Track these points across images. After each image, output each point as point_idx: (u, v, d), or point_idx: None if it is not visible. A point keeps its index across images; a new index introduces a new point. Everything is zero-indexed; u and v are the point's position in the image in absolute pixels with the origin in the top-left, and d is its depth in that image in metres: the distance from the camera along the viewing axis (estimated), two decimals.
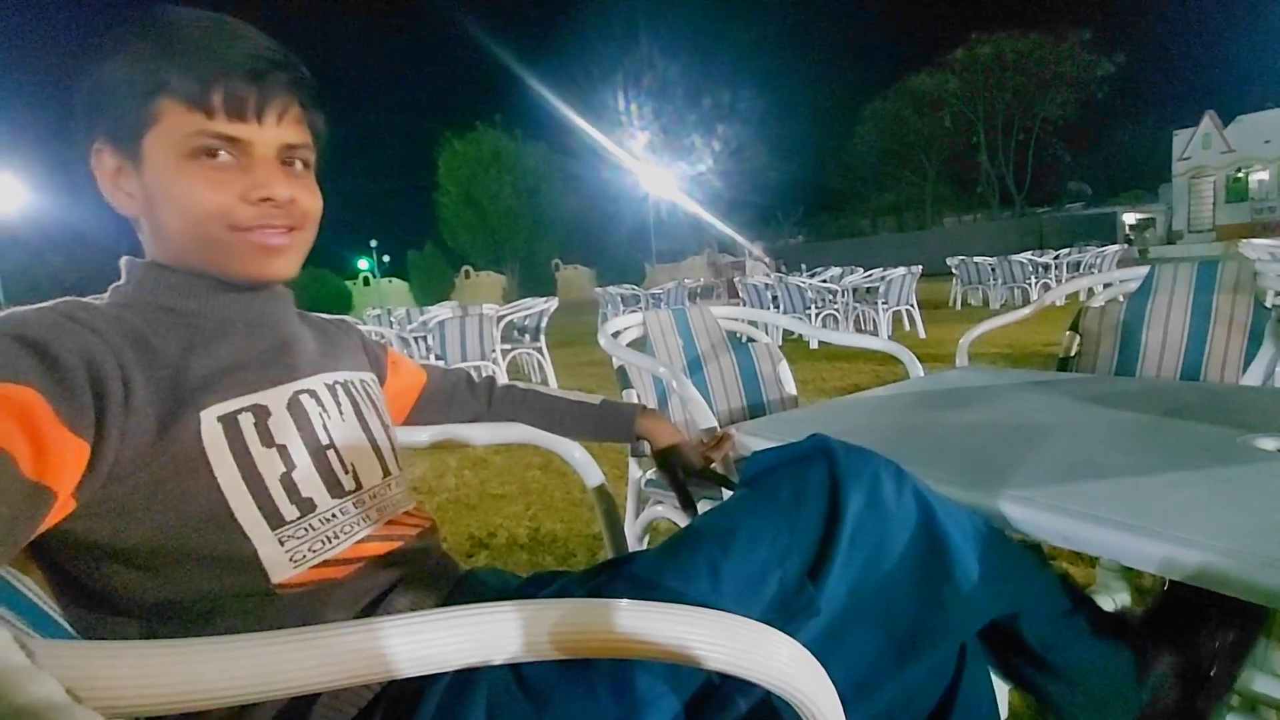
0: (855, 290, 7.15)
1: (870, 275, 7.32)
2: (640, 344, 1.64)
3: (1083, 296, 1.99)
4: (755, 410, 1.66)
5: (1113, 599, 1.33)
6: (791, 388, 1.68)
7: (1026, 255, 10.06)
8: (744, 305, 7.23)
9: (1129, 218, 24.36)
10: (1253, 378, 1.35)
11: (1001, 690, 0.83)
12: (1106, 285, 1.94)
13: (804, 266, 11.84)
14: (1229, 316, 1.66)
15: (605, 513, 0.95)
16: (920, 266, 7.10)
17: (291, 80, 0.63)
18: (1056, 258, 10.20)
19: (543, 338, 5.52)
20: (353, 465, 0.66)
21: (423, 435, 0.97)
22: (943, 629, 0.60)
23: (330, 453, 0.64)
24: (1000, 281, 9.48)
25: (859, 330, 7.39)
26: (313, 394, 0.66)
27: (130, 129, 0.59)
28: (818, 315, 6.44)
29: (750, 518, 0.59)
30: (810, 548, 0.57)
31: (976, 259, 9.80)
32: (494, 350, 4.61)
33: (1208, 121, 24.34)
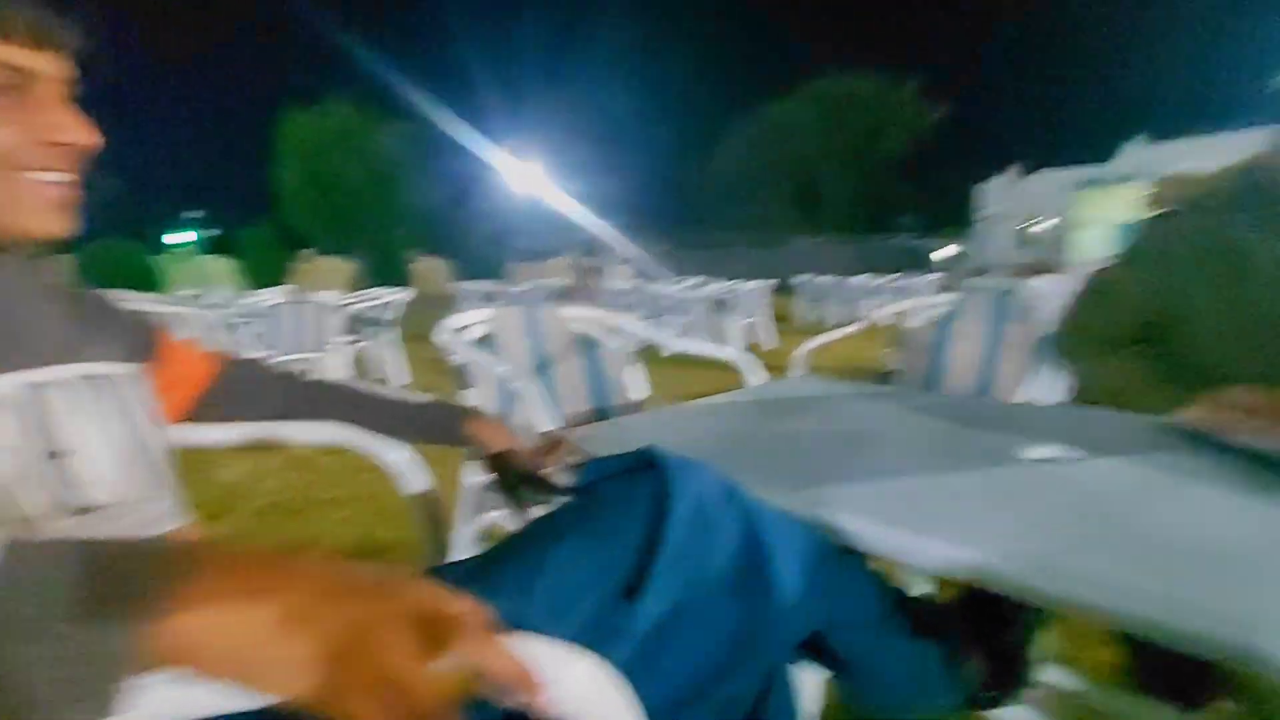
0: (712, 301, 7.45)
1: (727, 287, 7.67)
2: (488, 343, 1.57)
3: (904, 318, 2.21)
4: (602, 415, 1.65)
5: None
6: (640, 393, 1.69)
7: (863, 277, 11.06)
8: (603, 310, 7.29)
9: (943, 251, 27.65)
10: (1030, 395, 1.55)
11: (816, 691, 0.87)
12: (922, 309, 2.16)
13: (668, 275, 12.18)
14: (1015, 341, 1.91)
15: (427, 521, 0.88)
16: (775, 280, 7.55)
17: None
18: (888, 281, 11.32)
19: (394, 331, 5.18)
20: (95, 477, 0.55)
21: (230, 433, 0.86)
22: (763, 643, 0.61)
23: (62, 461, 0.53)
24: (839, 300, 10.34)
25: (716, 341, 7.73)
26: (44, 389, 0.54)
27: None
28: (675, 323, 6.63)
29: (572, 531, 0.57)
30: (632, 562, 0.55)
31: (819, 279, 10.61)
32: (332, 342, 4.24)
33: (1011, 174, 28.35)
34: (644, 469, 0.60)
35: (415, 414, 0.87)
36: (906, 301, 2.15)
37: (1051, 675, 0.89)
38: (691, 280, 9.40)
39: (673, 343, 1.74)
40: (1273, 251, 1.02)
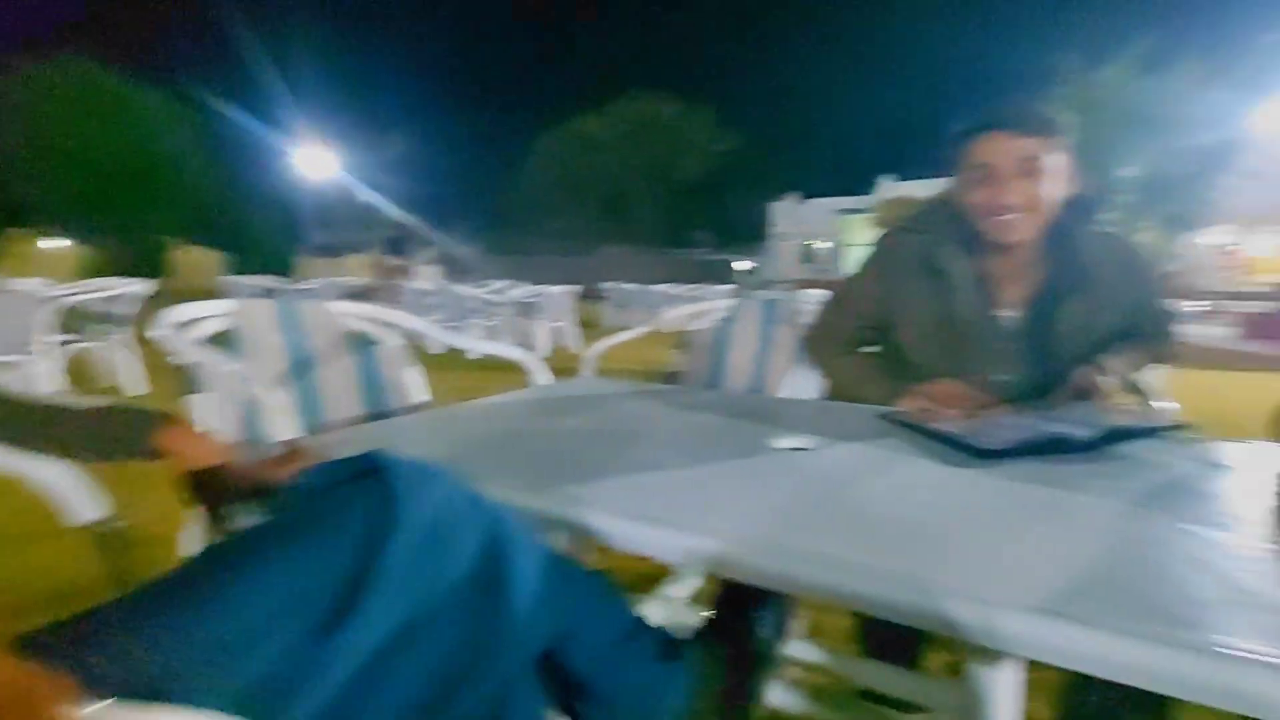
0: (519, 304, 7.35)
1: (534, 291, 7.61)
2: (228, 339, 1.35)
3: (690, 322, 2.32)
4: (377, 418, 1.51)
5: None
6: (420, 395, 1.57)
7: (665, 286, 11.66)
8: (404, 310, 6.85)
9: (741, 265, 30.23)
10: (789, 391, 1.69)
11: None
12: (706, 314, 2.29)
13: (477, 277, 11.81)
14: (782, 342, 2.09)
15: (108, 557, 0.71)
16: (580, 286, 7.64)
17: None
18: (687, 290, 12.05)
19: (128, 330, 4.35)
20: None
21: None
22: (498, 656, 0.56)
23: None
24: (643, 306, 10.79)
25: (521, 345, 7.62)
26: None
27: None
28: (480, 326, 6.43)
29: (261, 554, 0.47)
30: (339, 588, 0.48)
31: (625, 285, 10.98)
32: (40, 341, 3.43)
33: (792, 199, 31.90)
34: (362, 478, 0.52)
35: (81, 423, 0.70)
36: (690, 307, 2.26)
37: (796, 649, 0.96)
38: (499, 283, 9.22)
39: (451, 339, 1.65)
40: (964, 267, 1.21)
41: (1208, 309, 11.73)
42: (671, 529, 0.61)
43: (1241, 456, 0.89)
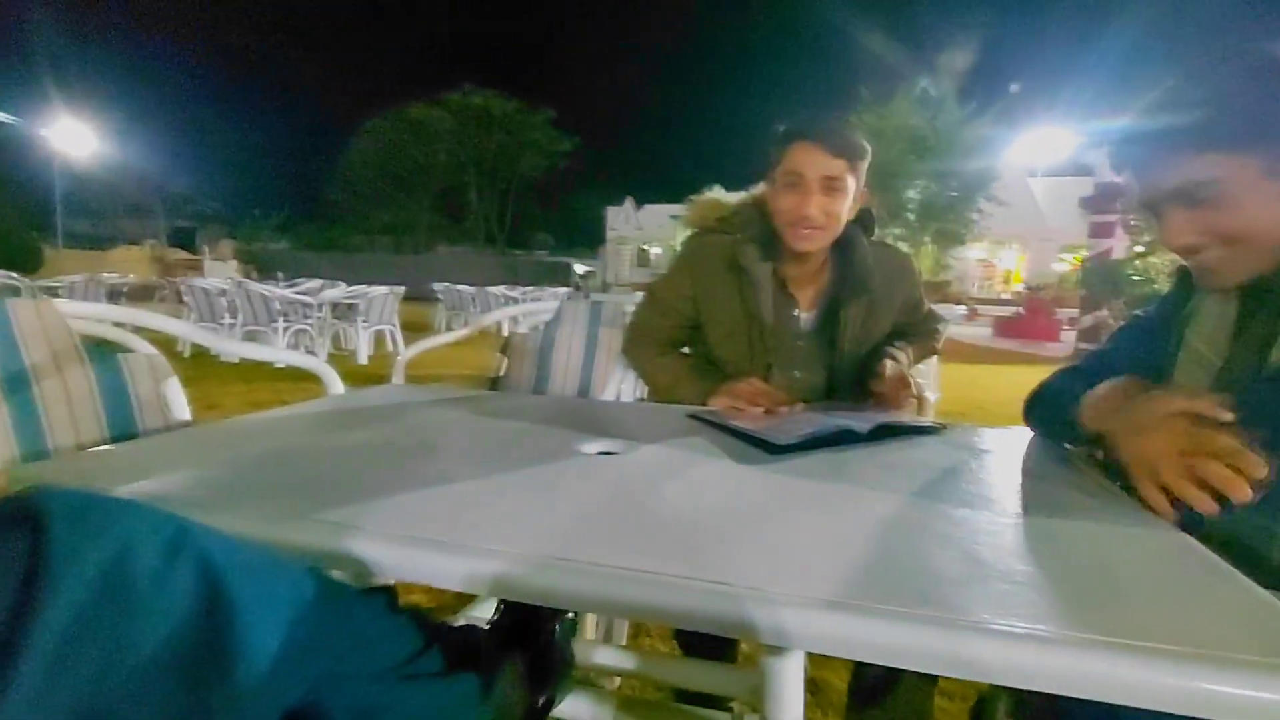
0: (335, 306, 6.75)
1: (352, 292, 7.02)
2: None
3: (511, 324, 2.25)
4: (125, 440, 1.27)
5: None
6: (182, 411, 1.34)
7: (501, 288, 11.36)
8: (190, 311, 5.98)
9: (579, 267, 30.39)
10: (610, 394, 1.69)
11: None
12: (530, 315, 2.23)
13: (282, 275, 10.66)
14: (608, 345, 2.09)
15: None
16: (403, 287, 7.19)
17: None
18: (524, 293, 11.84)
19: None
20: None
21: None
22: None
23: None
24: (479, 309, 10.42)
25: (338, 349, 7.00)
26: None
27: None
28: (288, 329, 5.79)
29: None
30: None
31: (460, 286, 10.55)
32: None
33: (628, 204, 32.66)
34: (9, 526, 0.40)
35: None
36: (514, 308, 2.19)
37: (601, 655, 0.93)
38: (311, 283, 8.41)
39: (230, 347, 1.43)
40: (765, 269, 1.28)
41: (969, 312, 13.84)
42: (448, 553, 0.55)
43: (994, 441, 1.02)
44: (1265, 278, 0.76)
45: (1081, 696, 0.44)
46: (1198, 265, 0.80)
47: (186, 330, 1.42)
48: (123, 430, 1.28)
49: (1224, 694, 0.42)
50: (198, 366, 5.72)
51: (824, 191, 1.18)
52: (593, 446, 0.92)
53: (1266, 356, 0.75)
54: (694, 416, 1.10)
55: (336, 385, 1.32)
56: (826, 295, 1.32)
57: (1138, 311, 1.03)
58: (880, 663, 0.47)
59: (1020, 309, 13.20)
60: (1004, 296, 22.61)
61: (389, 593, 0.61)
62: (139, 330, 1.44)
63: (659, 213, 30.94)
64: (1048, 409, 1.00)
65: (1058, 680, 0.45)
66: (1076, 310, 10.13)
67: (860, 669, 1.02)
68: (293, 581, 0.51)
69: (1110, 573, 0.56)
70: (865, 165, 1.23)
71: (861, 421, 1.00)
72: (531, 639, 0.73)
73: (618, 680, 1.28)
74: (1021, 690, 0.84)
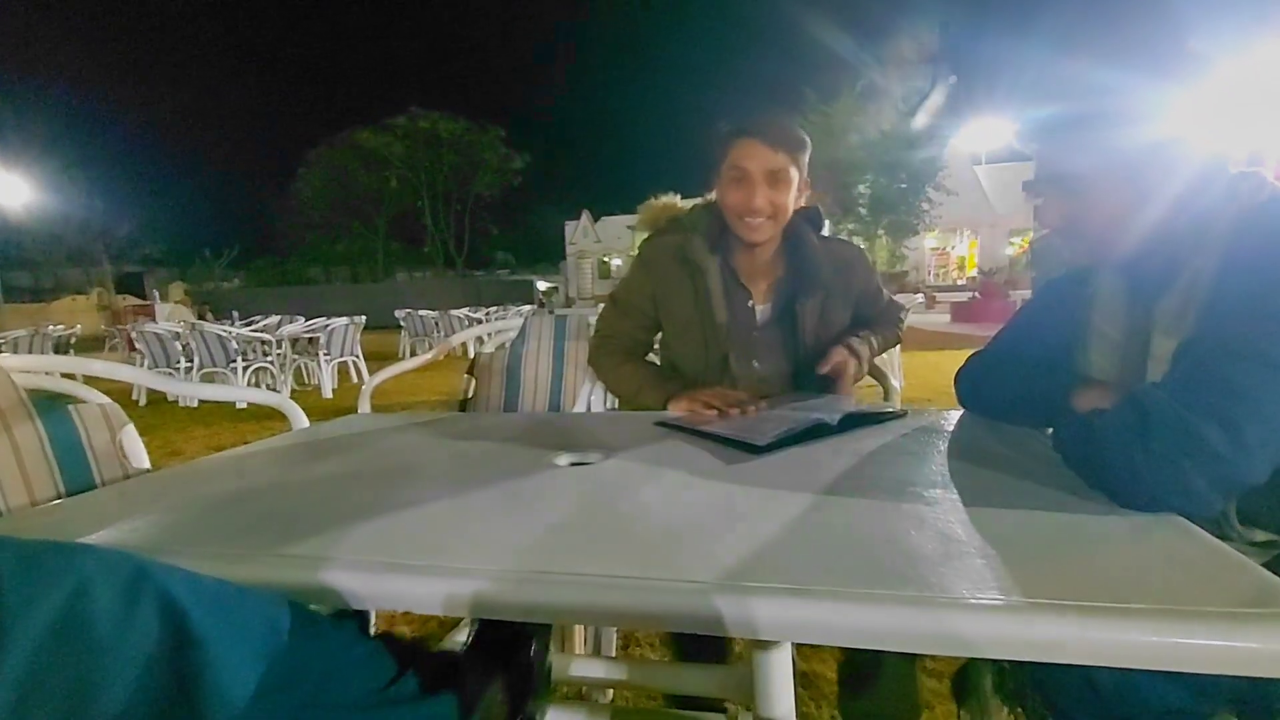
0: (295, 341, 6.60)
1: (311, 325, 6.88)
2: None
3: (478, 345, 2.23)
4: (81, 494, 1.22)
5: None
6: (141, 460, 1.30)
7: (464, 310, 11.24)
8: (143, 358, 5.79)
9: (541, 284, 30.32)
10: (580, 405, 1.68)
11: None
12: (495, 334, 2.21)
13: (237, 314, 10.40)
14: (574, 358, 2.08)
15: None
16: (364, 317, 7.07)
17: None
18: (488, 314, 11.74)
19: None
20: None
21: None
22: None
23: None
24: (443, 333, 10.30)
25: (301, 385, 6.84)
26: None
27: None
28: (247, 368, 5.64)
29: None
30: None
31: (422, 312, 10.42)
32: None
33: (585, 217, 32.70)
34: None
35: None
36: (476, 329, 2.18)
37: (589, 668, 0.93)
38: (269, 319, 8.23)
39: (187, 390, 1.39)
40: (716, 263, 1.30)
41: (926, 300, 14.17)
42: (422, 576, 0.54)
43: (958, 424, 1.04)
44: (1141, 259, 0.81)
45: (1056, 661, 0.45)
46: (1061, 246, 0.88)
47: (139, 376, 1.38)
48: (79, 484, 1.23)
49: (1193, 646, 0.43)
50: (156, 414, 5.53)
51: (768, 183, 1.23)
52: (565, 458, 0.92)
53: (1149, 336, 0.80)
54: (662, 423, 1.11)
55: (300, 420, 1.29)
56: (780, 289, 1.35)
57: (1044, 285, 1.07)
58: (859, 646, 0.48)
59: (975, 294, 13.56)
60: (959, 283, 23.23)
61: (360, 619, 0.60)
62: (90, 380, 1.40)
63: (617, 224, 31.07)
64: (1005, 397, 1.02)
65: (1034, 648, 0.46)
66: (1029, 291, 10.45)
67: (848, 657, 1.03)
68: (262, 613, 0.50)
69: (1079, 539, 0.58)
70: (806, 156, 1.27)
71: (829, 413, 1.01)
72: (510, 656, 0.72)
73: (610, 692, 1.27)
74: (1002, 662, 0.86)
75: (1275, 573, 0.50)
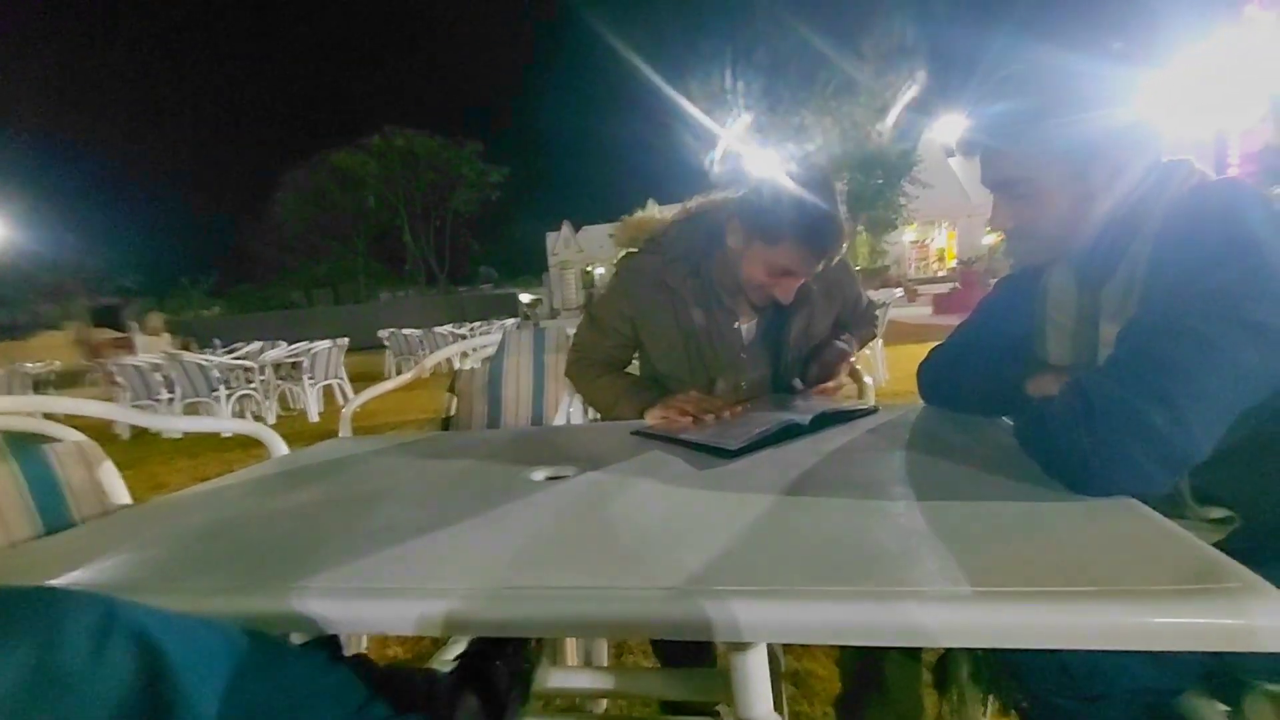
0: (279, 366, 6.55)
1: (294, 349, 6.82)
2: None
3: (459, 361, 2.23)
4: (60, 532, 1.21)
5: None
6: (121, 496, 1.29)
7: (449, 327, 11.18)
8: (125, 390, 5.72)
9: (524, 297, 30.22)
10: (560, 418, 1.69)
11: None
12: (474, 351, 2.21)
13: (219, 342, 10.30)
14: (555, 371, 2.09)
15: None
16: (347, 339, 7.02)
17: None
18: (472, 329, 11.68)
19: None
20: None
21: None
22: None
23: None
24: (428, 351, 10.24)
25: (286, 409, 6.79)
26: None
27: None
28: (230, 396, 5.59)
29: None
30: None
31: (406, 331, 10.36)
32: None
33: (566, 228, 32.70)
34: None
35: None
36: (454, 346, 2.18)
37: (578, 679, 0.93)
38: (251, 346, 8.15)
39: (163, 423, 1.38)
40: (695, 286, 1.29)
41: (905, 294, 14.28)
42: (396, 599, 0.55)
43: (926, 417, 1.06)
44: (1087, 249, 0.84)
45: (1012, 646, 0.46)
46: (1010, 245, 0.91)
47: (116, 412, 1.37)
48: (57, 523, 1.22)
49: (1143, 624, 0.45)
50: (140, 447, 5.45)
51: (800, 278, 1.22)
52: (541, 473, 0.92)
53: (1098, 323, 0.83)
54: (638, 433, 1.12)
55: (280, 447, 1.29)
56: (767, 312, 1.34)
57: (998, 279, 1.10)
58: (825, 643, 0.49)
59: (956, 284, 13.70)
60: (940, 274, 23.46)
61: (331, 644, 0.60)
62: (68, 418, 1.39)
63: (598, 233, 31.10)
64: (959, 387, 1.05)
65: (990, 633, 0.47)
66: None
67: (844, 657, 1.04)
68: (230, 643, 0.50)
69: (1035, 526, 0.60)
70: None
71: (802, 413, 1.02)
72: (488, 673, 0.72)
73: (604, 702, 1.28)
74: (976, 651, 0.87)
75: (1234, 548, 0.52)
